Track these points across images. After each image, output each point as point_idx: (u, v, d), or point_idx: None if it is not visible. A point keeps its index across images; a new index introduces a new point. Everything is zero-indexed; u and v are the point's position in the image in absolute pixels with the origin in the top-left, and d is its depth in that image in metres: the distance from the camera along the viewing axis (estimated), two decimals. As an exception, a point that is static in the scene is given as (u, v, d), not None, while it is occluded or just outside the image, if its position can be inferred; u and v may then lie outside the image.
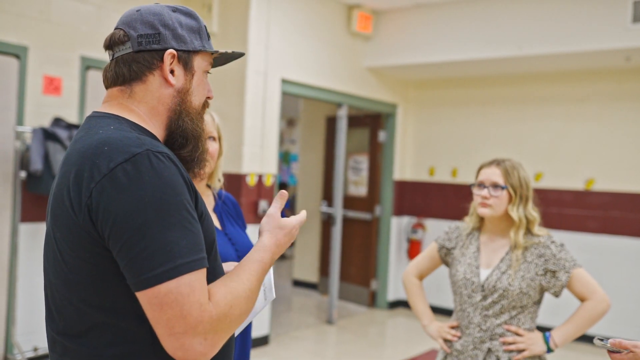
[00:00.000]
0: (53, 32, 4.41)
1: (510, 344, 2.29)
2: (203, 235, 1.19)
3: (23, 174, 4.14)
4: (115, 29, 1.29)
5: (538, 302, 2.37)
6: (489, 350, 2.31)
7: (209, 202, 2.13)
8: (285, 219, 1.35)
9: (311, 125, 8.14)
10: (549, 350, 2.30)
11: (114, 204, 1.08)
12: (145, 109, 1.27)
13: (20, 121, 4.22)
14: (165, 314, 1.07)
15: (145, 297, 1.08)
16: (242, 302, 1.17)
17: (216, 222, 2.12)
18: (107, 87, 1.31)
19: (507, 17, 5.66)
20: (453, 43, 5.94)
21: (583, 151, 6.12)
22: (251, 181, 5.23)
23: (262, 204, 5.31)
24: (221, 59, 1.41)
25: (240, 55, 1.40)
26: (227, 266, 1.49)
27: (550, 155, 6.22)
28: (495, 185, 2.34)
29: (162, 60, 1.25)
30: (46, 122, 4.30)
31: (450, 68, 6.38)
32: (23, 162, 4.15)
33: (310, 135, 8.16)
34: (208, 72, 1.35)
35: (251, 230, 5.00)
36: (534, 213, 2.37)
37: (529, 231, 2.36)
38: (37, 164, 3.99)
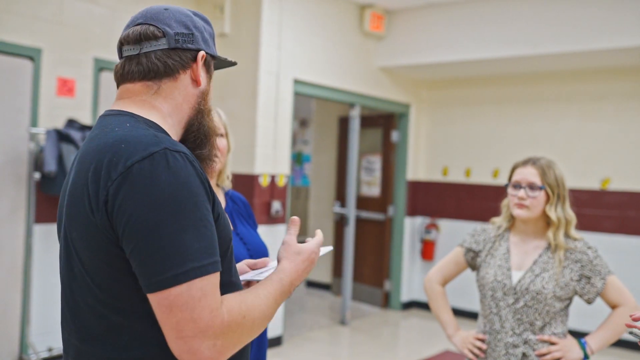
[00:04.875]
0: (66, 34, 4.43)
1: (545, 354, 2.21)
2: (219, 237, 1.17)
3: (37, 176, 4.16)
4: (140, 24, 1.26)
5: (568, 306, 2.31)
6: (524, 354, 2.23)
7: (221, 202, 2.11)
8: (302, 244, 1.34)
9: (324, 126, 8.13)
10: (586, 357, 2.23)
11: (128, 203, 1.07)
12: (169, 106, 1.27)
13: (34, 123, 4.25)
14: (174, 316, 1.05)
15: (155, 300, 1.07)
16: (255, 315, 1.16)
17: None
18: (123, 82, 1.28)
19: (521, 16, 5.61)
20: (466, 42, 5.90)
21: (599, 150, 6.06)
22: (264, 182, 5.23)
23: (275, 204, 5.30)
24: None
25: (231, 64, 1.43)
26: (239, 265, 1.47)
27: (566, 154, 6.16)
28: (532, 186, 2.25)
29: (194, 60, 1.28)
30: (60, 124, 4.33)
31: (463, 67, 6.34)
32: (37, 163, 4.17)
33: (323, 135, 8.14)
34: None
35: (263, 231, 5.01)
36: (571, 213, 2.29)
37: (566, 233, 2.28)
38: (51, 166, 4.02)
